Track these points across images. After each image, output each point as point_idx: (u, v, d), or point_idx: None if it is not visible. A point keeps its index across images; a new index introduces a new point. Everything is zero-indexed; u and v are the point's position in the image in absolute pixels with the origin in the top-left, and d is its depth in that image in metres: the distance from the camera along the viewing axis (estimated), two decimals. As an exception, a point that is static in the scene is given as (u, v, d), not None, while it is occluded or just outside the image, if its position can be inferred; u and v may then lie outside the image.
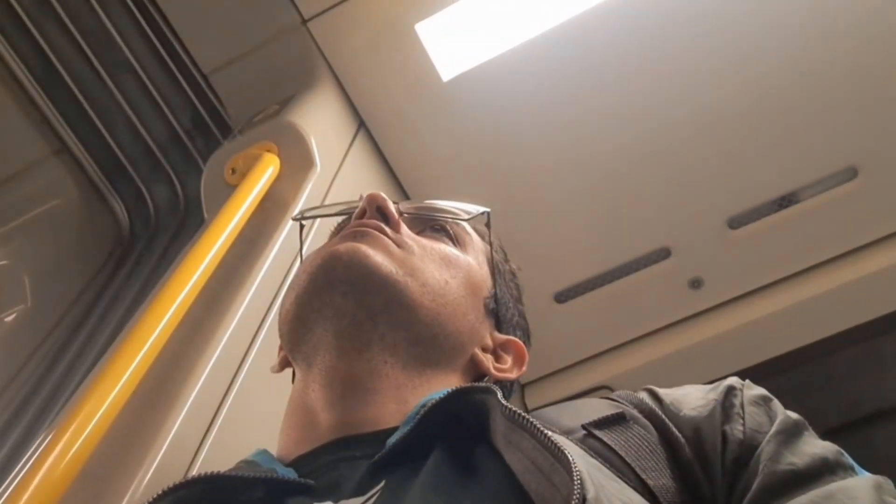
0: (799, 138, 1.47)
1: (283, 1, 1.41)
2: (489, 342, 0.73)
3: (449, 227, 0.77)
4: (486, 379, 0.71)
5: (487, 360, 0.71)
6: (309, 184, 1.16)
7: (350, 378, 0.63)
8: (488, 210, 0.78)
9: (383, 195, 0.72)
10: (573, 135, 1.48)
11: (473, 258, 0.75)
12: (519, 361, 0.73)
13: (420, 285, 0.66)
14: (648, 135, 1.48)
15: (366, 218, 0.71)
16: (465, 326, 0.69)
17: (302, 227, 0.83)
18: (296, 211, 1.07)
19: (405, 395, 0.63)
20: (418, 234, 0.74)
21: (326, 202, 1.19)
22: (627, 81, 1.44)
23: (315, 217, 0.85)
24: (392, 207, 0.72)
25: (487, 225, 0.79)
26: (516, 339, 0.75)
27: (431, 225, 0.76)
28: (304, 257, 0.70)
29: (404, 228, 0.72)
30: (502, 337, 0.74)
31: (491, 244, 0.80)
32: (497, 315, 0.75)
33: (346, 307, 0.64)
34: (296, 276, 0.69)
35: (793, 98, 1.44)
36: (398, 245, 0.69)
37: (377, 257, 0.65)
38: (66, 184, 1.76)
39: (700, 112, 1.46)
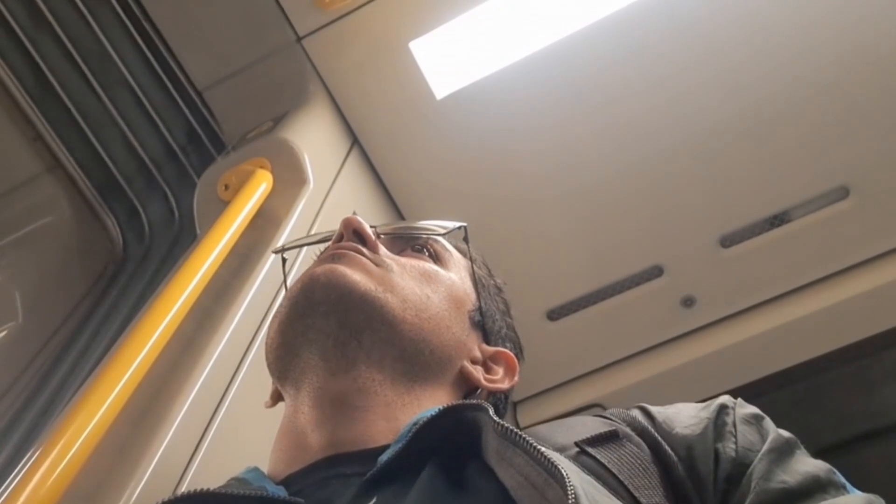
0: (791, 157, 1.48)
1: (279, 18, 1.42)
2: (478, 354, 0.72)
3: (429, 246, 0.77)
4: (477, 392, 0.71)
5: (477, 372, 0.71)
6: (302, 200, 1.16)
7: (339, 397, 0.63)
8: (465, 224, 0.78)
9: (359, 219, 0.73)
10: (566, 152, 1.49)
11: (455, 273, 0.76)
12: (510, 372, 0.73)
13: (401, 301, 0.67)
14: (641, 153, 1.49)
15: (343, 241, 0.71)
16: (451, 340, 0.69)
17: (284, 259, 0.83)
18: (285, 232, 1.08)
19: (395, 413, 0.63)
20: (398, 254, 0.75)
21: (319, 219, 1.19)
22: (620, 100, 1.45)
23: (295, 247, 0.85)
24: (368, 229, 0.72)
25: (466, 239, 0.80)
26: (506, 350, 0.75)
27: (411, 245, 0.77)
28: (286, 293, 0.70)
29: (383, 249, 0.72)
30: (491, 349, 0.74)
31: (472, 259, 0.80)
32: (484, 327, 0.75)
33: (328, 327, 0.64)
34: (279, 305, 0.69)
35: (785, 117, 1.45)
36: (376, 264, 0.69)
37: (355, 276, 0.66)
38: (60, 200, 1.76)
39: (692, 131, 1.47)
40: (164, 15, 1.49)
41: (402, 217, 1.56)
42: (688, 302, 1.60)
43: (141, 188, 1.78)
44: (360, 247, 0.70)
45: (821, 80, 1.43)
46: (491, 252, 1.60)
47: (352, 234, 0.72)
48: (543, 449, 0.48)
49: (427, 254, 0.77)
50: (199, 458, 0.78)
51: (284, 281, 0.83)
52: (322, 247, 0.80)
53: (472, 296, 0.76)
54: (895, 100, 1.44)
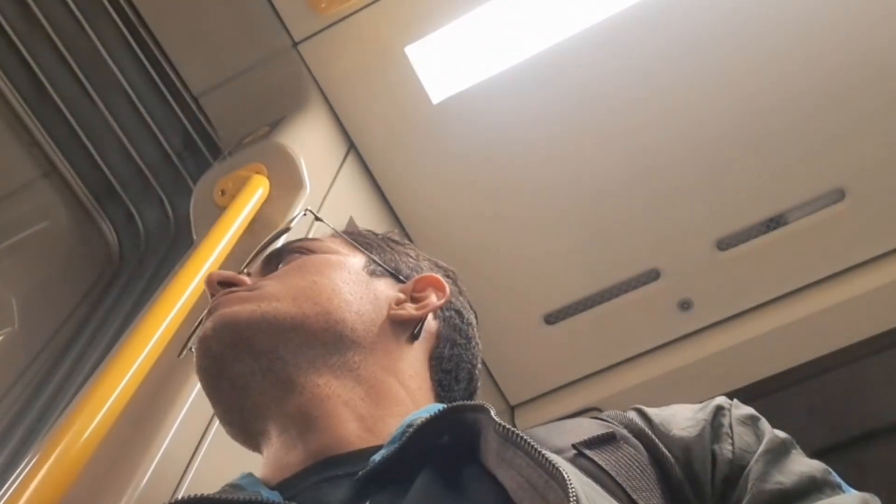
0: (787, 160, 1.49)
1: (274, 24, 1.42)
2: (400, 295, 0.72)
3: (297, 250, 0.75)
4: (420, 325, 0.70)
5: (406, 309, 0.70)
6: (298, 205, 1.16)
7: (299, 415, 0.62)
8: (308, 209, 0.79)
9: (216, 271, 0.72)
10: (562, 157, 1.49)
11: (329, 251, 0.74)
12: (438, 288, 0.73)
13: (291, 301, 0.65)
14: (637, 157, 1.49)
15: (214, 297, 0.70)
16: (362, 304, 0.68)
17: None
18: (282, 238, 1.07)
19: (358, 411, 0.63)
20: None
21: (315, 225, 1.19)
22: (616, 104, 1.46)
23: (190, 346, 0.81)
24: (228, 273, 0.71)
25: (318, 218, 0.79)
26: (424, 275, 0.74)
27: (282, 260, 0.75)
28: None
29: (255, 278, 0.72)
30: (410, 282, 0.73)
31: (338, 232, 0.79)
32: (389, 272, 0.74)
33: (247, 367, 0.63)
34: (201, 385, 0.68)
35: (781, 120, 1.46)
36: (248, 290, 0.68)
37: (233, 309, 0.65)
38: (56, 206, 1.75)
39: (689, 134, 1.47)
40: (160, 21, 1.49)
41: (398, 221, 1.56)
42: (685, 305, 1.60)
43: (137, 194, 1.78)
44: (230, 290, 0.69)
45: (816, 84, 1.43)
46: (487, 256, 1.61)
47: (216, 286, 0.70)
48: (544, 451, 0.48)
49: (299, 256, 0.74)
50: (195, 464, 0.78)
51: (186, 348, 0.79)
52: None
53: (359, 256, 0.74)
54: (890, 102, 1.44)
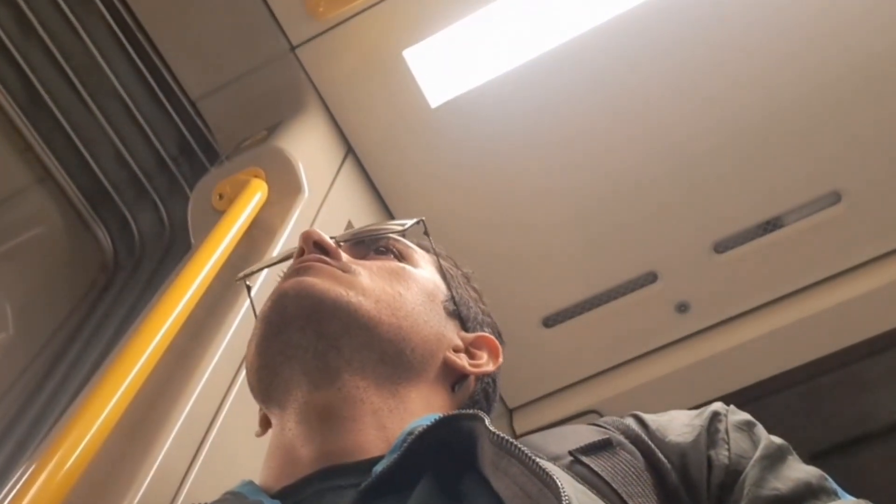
0: (783, 163, 1.49)
1: (272, 28, 1.42)
2: (459, 343, 0.72)
3: (391, 247, 0.77)
4: (466, 380, 0.71)
5: (461, 360, 0.70)
6: (297, 210, 1.16)
7: (325, 410, 0.63)
8: (422, 218, 0.78)
9: (318, 231, 0.72)
10: (561, 161, 1.49)
11: (423, 268, 0.76)
12: (493, 354, 0.74)
13: (374, 302, 0.66)
14: (635, 160, 1.49)
15: (305, 255, 0.71)
16: (430, 334, 0.69)
17: (249, 287, 0.83)
18: (280, 241, 1.08)
19: (383, 421, 0.63)
20: (363, 259, 0.74)
21: (315, 228, 1.19)
22: (613, 109, 1.46)
23: (257, 271, 0.84)
24: (328, 239, 0.72)
25: (426, 233, 0.80)
26: (486, 334, 0.75)
27: (374, 248, 0.77)
28: (258, 314, 0.70)
29: (346, 256, 0.72)
30: (471, 335, 0.74)
31: (437, 252, 0.80)
32: (460, 315, 0.75)
33: (305, 341, 0.63)
34: (254, 329, 0.69)
35: (777, 123, 1.46)
36: (343, 270, 0.69)
37: (324, 284, 0.65)
38: (50, 211, 1.75)
39: (685, 137, 1.48)
40: (157, 25, 1.48)
41: (396, 225, 1.56)
42: (682, 308, 1.60)
43: (132, 199, 1.77)
44: (323, 257, 0.70)
45: (813, 86, 1.43)
46: (486, 259, 1.61)
47: (312, 246, 0.71)
48: (538, 459, 0.49)
49: (391, 254, 0.76)
50: (194, 472, 0.77)
51: (252, 307, 0.81)
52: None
53: (443, 287, 0.76)
54: (887, 105, 1.45)
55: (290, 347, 0.64)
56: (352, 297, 0.65)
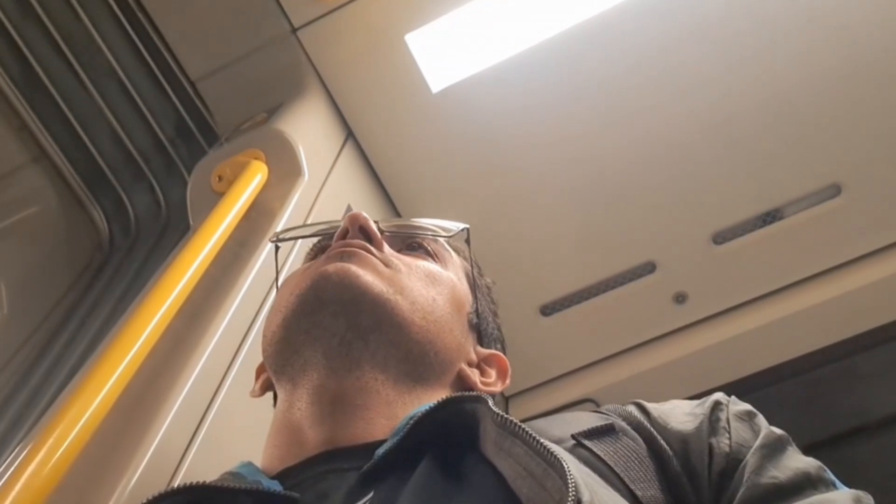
0: (783, 155, 1.49)
1: (274, 9, 1.41)
2: (474, 357, 0.73)
3: (427, 244, 0.77)
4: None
5: (474, 375, 0.71)
6: (296, 193, 1.15)
7: (339, 396, 0.63)
8: (468, 227, 0.78)
9: (365, 214, 0.72)
10: (561, 148, 1.49)
11: (454, 274, 0.75)
12: (502, 375, 0.74)
13: (410, 303, 0.66)
14: (634, 149, 1.49)
15: (349, 238, 0.70)
16: (453, 343, 0.69)
17: (277, 248, 0.82)
18: (279, 225, 1.07)
19: (395, 411, 0.63)
20: (398, 251, 0.74)
21: (314, 212, 1.18)
22: (614, 96, 1.45)
23: (293, 238, 0.84)
24: (374, 227, 0.71)
25: (467, 241, 0.80)
26: (499, 353, 0.76)
27: (409, 243, 0.76)
28: (280, 279, 0.69)
29: (387, 248, 0.72)
30: (485, 351, 0.75)
31: (470, 260, 0.80)
32: (479, 330, 0.75)
33: (336, 327, 0.63)
34: (280, 297, 0.69)
35: (777, 115, 1.46)
36: (385, 264, 0.68)
37: (367, 277, 0.65)
38: (46, 191, 1.74)
39: (686, 128, 1.47)
40: (157, 4, 1.47)
41: (396, 211, 1.56)
42: (680, 298, 1.60)
43: (128, 180, 1.76)
44: (367, 245, 0.69)
45: (813, 79, 1.43)
46: (484, 246, 1.60)
47: (357, 231, 0.71)
48: (542, 440, 0.48)
49: (425, 251, 0.76)
50: (192, 452, 0.77)
51: (277, 271, 0.81)
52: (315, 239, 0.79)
53: (470, 298, 0.76)
54: (887, 98, 1.45)
55: (318, 328, 0.64)
56: (391, 294, 0.65)
